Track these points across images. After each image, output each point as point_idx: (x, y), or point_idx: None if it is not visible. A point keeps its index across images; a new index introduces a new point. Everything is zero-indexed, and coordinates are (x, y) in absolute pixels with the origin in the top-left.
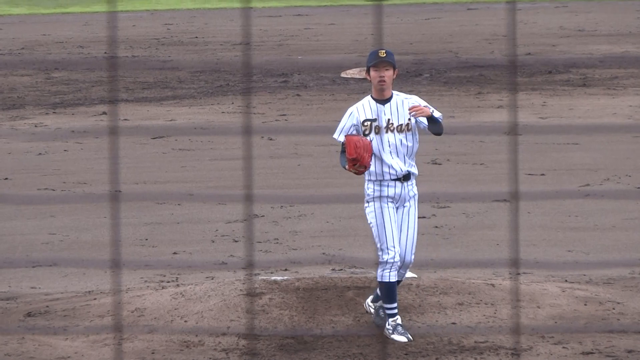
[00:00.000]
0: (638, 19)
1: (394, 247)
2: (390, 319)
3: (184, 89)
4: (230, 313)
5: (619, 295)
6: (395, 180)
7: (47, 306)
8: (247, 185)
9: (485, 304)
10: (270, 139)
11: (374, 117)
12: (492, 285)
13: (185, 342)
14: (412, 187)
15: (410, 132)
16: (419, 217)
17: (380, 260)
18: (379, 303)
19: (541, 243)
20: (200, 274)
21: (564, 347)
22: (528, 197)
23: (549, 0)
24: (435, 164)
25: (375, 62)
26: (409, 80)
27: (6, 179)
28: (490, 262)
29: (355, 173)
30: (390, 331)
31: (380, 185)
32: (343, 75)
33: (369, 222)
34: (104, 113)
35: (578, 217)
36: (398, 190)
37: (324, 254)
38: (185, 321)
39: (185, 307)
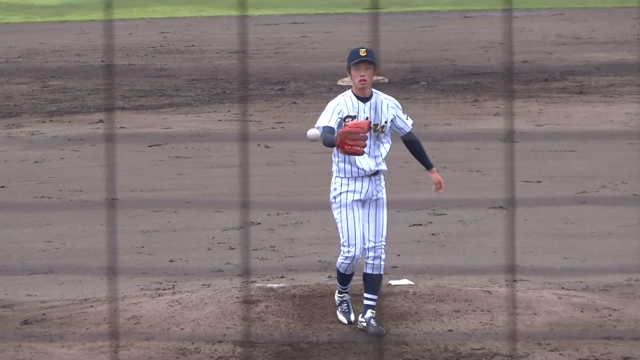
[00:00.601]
0: (634, 27)
1: (356, 244)
2: (338, 294)
3: (180, 96)
4: (227, 320)
5: (615, 302)
6: (363, 177)
7: (44, 314)
8: (244, 193)
9: (482, 311)
10: (267, 147)
11: (354, 114)
12: (489, 292)
13: (181, 349)
14: (380, 182)
15: (384, 134)
16: (414, 224)
17: (341, 253)
18: (367, 315)
19: (537, 250)
20: (196, 281)
21: (560, 354)
22: (524, 204)
23: (545, 8)
24: None
25: (356, 61)
26: (405, 88)
27: (2, 187)
28: (486, 269)
29: (350, 152)
30: (336, 304)
31: (348, 182)
32: (339, 83)
33: (334, 217)
34: (101, 121)
35: (574, 224)
36: (366, 186)
37: (320, 261)
38: (182, 329)
39: (181, 314)
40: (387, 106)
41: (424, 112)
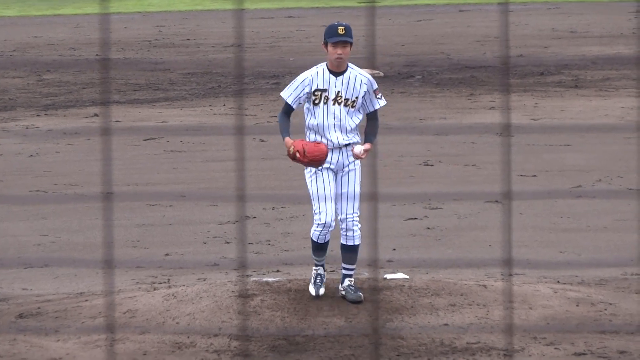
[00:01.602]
0: (629, 20)
1: (326, 212)
2: (314, 267)
3: (175, 90)
4: (222, 314)
5: (611, 296)
6: (332, 149)
7: (39, 307)
8: (239, 187)
9: (478, 305)
10: (262, 141)
11: (325, 87)
12: (484, 286)
13: (177, 343)
14: (351, 153)
15: (354, 109)
16: (410, 218)
17: (313, 222)
18: (345, 283)
19: (533, 244)
20: (192, 275)
21: (556, 348)
22: (520, 198)
23: (541, 2)
24: (427, 165)
25: (335, 40)
26: (401, 82)
27: None
28: (482, 263)
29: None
30: (310, 281)
31: (319, 157)
32: None
33: (308, 187)
34: (96, 115)
35: (570, 218)
36: (336, 157)
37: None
38: (177, 322)
39: (177, 308)
40: (361, 82)
41: (419, 106)
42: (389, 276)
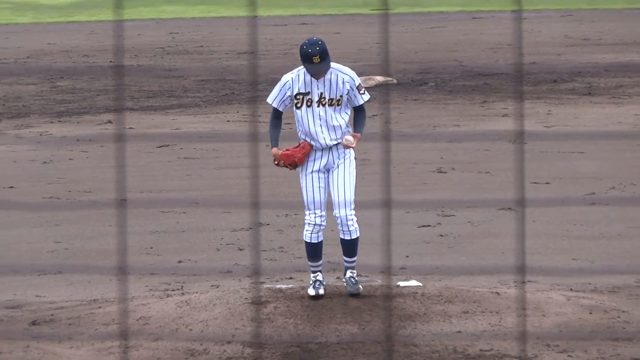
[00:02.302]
0: None
1: (315, 212)
2: (312, 275)
3: (189, 97)
4: (235, 321)
5: (624, 304)
6: (322, 149)
7: (52, 314)
8: (253, 194)
9: (491, 312)
10: None
11: (307, 91)
12: (497, 293)
13: (190, 350)
14: (342, 151)
15: (340, 107)
16: (423, 225)
17: (305, 221)
18: (347, 275)
19: (546, 251)
20: (205, 282)
21: (569, 356)
22: (533, 205)
23: (554, 9)
24: (441, 172)
25: (312, 71)
26: (414, 89)
27: (11, 187)
28: (495, 270)
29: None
30: (310, 285)
31: (308, 155)
32: None
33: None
34: (109, 122)
35: (583, 226)
36: (325, 156)
37: (328, 262)
38: (190, 329)
39: (190, 315)
40: (343, 81)
41: (432, 113)
42: (402, 283)
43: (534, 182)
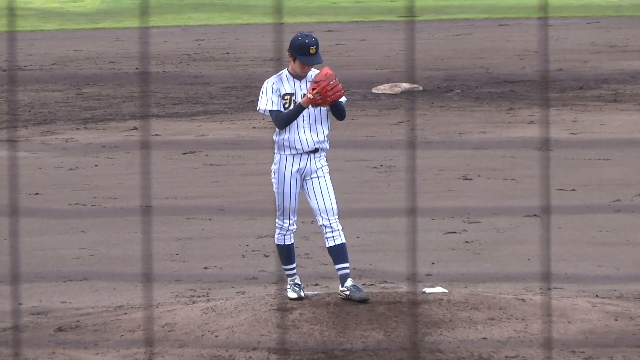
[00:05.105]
0: None
1: (291, 217)
2: (289, 279)
3: (215, 104)
4: (261, 328)
5: None
6: (301, 154)
7: (78, 321)
8: None
9: (516, 318)
10: None
11: (292, 92)
12: (523, 300)
13: (215, 356)
14: (320, 160)
15: (325, 107)
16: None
17: (276, 225)
18: (348, 283)
19: (572, 258)
20: (230, 288)
21: None
22: (559, 212)
23: (580, 17)
24: (466, 179)
25: (308, 63)
26: (440, 96)
27: (37, 194)
28: (521, 277)
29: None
30: (289, 289)
31: (287, 158)
32: (374, 90)
33: (274, 189)
34: (135, 128)
35: (609, 232)
36: (304, 163)
37: (354, 268)
38: (216, 336)
39: (215, 321)
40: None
41: (458, 120)
42: (427, 290)
43: (560, 189)
